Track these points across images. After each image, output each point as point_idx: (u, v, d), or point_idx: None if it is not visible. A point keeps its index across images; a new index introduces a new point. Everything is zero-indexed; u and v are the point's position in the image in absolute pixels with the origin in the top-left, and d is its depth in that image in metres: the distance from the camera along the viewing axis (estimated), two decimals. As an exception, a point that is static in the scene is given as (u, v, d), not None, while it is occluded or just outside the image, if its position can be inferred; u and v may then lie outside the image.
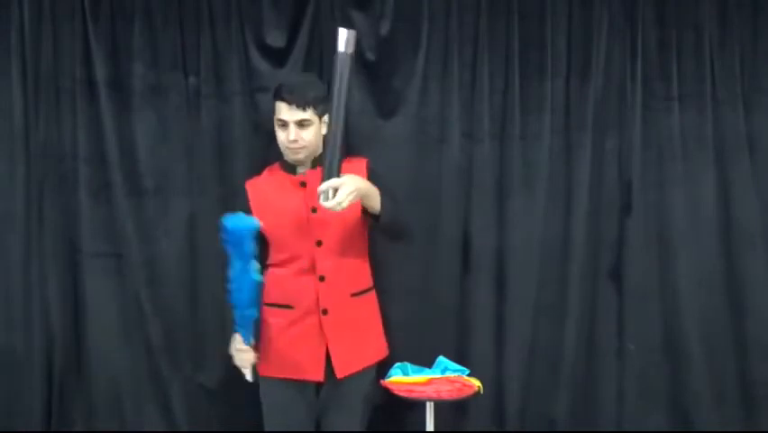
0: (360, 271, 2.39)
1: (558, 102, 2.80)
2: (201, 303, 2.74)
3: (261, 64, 2.72)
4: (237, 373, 2.39)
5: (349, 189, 2.08)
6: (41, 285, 2.69)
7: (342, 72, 2.07)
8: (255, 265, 2.16)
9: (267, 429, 2.40)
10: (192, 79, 2.71)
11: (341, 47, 2.05)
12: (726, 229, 2.84)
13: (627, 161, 2.82)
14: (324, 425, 2.40)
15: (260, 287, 2.22)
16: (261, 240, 2.34)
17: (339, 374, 2.30)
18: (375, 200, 2.22)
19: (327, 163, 2.08)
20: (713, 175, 2.84)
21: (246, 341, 2.27)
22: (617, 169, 2.83)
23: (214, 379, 2.73)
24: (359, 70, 2.73)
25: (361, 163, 2.40)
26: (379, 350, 2.44)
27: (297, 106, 2.26)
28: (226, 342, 2.66)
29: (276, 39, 2.73)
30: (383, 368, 2.42)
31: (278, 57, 2.72)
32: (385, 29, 2.73)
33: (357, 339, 2.35)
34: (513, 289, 2.78)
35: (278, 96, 2.30)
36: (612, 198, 2.82)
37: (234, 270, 2.14)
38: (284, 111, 2.27)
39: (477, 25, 2.76)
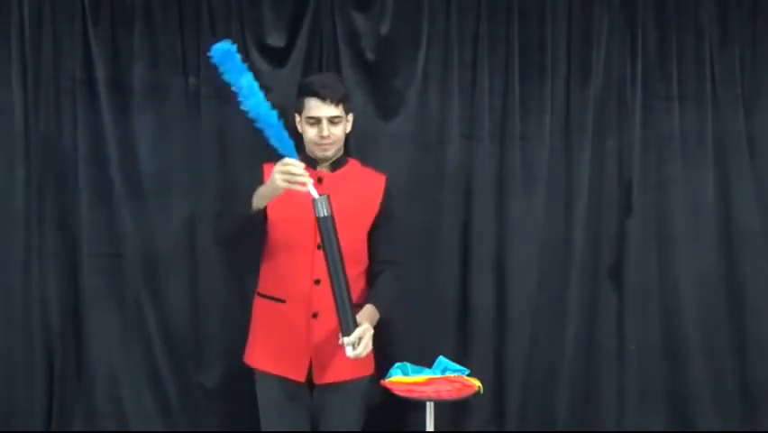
0: (356, 285, 2.31)
1: (558, 103, 2.80)
2: (201, 303, 2.74)
3: (261, 64, 2.72)
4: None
5: (371, 334, 2.16)
6: (41, 285, 2.68)
7: (329, 231, 2.08)
8: (253, 78, 2.04)
9: (263, 429, 2.40)
10: (192, 80, 2.71)
11: (319, 213, 2.07)
12: (726, 229, 2.85)
13: (627, 162, 2.82)
14: (320, 425, 2.39)
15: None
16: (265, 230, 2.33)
17: (317, 381, 2.29)
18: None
19: (343, 317, 2.10)
20: (713, 175, 2.84)
21: (292, 156, 2.07)
22: (617, 169, 2.83)
23: (214, 379, 2.73)
24: (359, 70, 2.74)
25: (380, 180, 2.38)
26: (363, 367, 2.35)
27: (331, 102, 2.25)
28: (226, 341, 2.68)
29: (276, 39, 2.73)
30: (383, 368, 2.42)
31: (278, 57, 2.72)
32: (385, 29, 2.73)
33: (342, 350, 2.28)
34: (513, 289, 2.78)
35: (309, 92, 2.27)
36: (612, 198, 2.83)
37: (242, 90, 2.02)
38: (316, 108, 2.26)
39: (477, 26, 2.77)
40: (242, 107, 2.03)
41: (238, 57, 2.02)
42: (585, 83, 2.80)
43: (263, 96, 2.04)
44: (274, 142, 2.07)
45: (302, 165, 2.06)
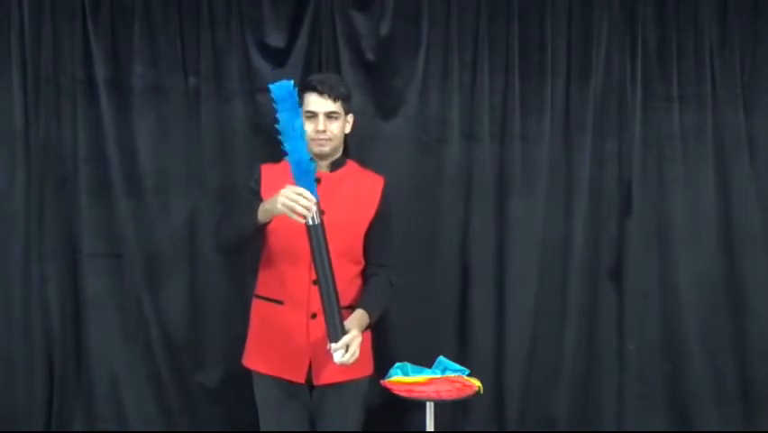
0: (352, 286, 2.34)
1: (558, 102, 2.81)
2: (201, 303, 2.74)
3: (261, 64, 2.72)
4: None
5: (359, 341, 2.15)
6: (40, 285, 2.68)
7: (319, 240, 2.09)
8: (300, 120, 2.11)
9: (262, 429, 2.39)
10: (192, 79, 2.71)
11: (308, 221, 2.08)
12: (726, 229, 2.85)
13: (627, 162, 2.82)
14: (320, 425, 2.39)
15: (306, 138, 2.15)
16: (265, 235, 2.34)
17: (316, 381, 2.30)
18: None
19: (331, 324, 2.11)
20: (713, 175, 2.84)
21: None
22: (617, 169, 2.83)
23: (214, 379, 2.73)
24: (359, 70, 2.74)
25: (378, 182, 2.39)
26: (362, 367, 2.33)
27: (329, 97, 2.28)
28: (226, 342, 2.68)
29: (276, 39, 2.73)
30: (383, 368, 2.41)
31: (278, 57, 2.72)
32: (385, 29, 2.73)
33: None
34: (513, 289, 2.78)
35: (309, 87, 2.30)
36: (612, 198, 2.83)
37: (292, 132, 2.07)
38: (314, 102, 2.28)
39: (477, 26, 2.77)
40: (283, 148, 2.08)
41: (297, 98, 2.09)
42: (585, 83, 2.80)
43: (306, 144, 2.12)
44: (300, 182, 2.10)
45: (314, 201, 2.06)
